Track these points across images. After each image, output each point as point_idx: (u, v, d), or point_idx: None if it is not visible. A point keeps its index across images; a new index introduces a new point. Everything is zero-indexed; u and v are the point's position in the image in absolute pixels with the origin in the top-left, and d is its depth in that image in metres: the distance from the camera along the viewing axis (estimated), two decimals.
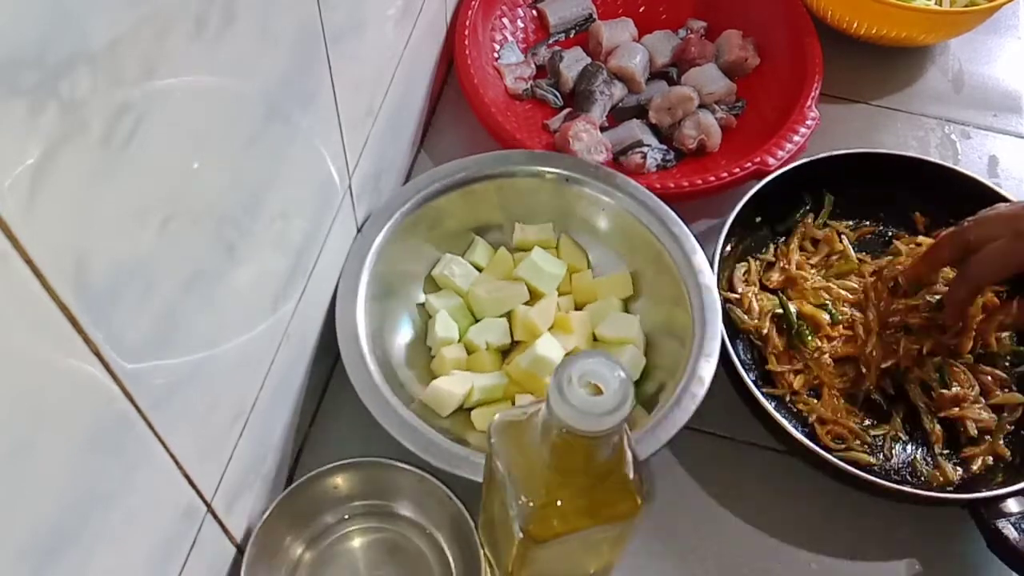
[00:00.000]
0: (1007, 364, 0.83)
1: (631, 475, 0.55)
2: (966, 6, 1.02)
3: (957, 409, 0.79)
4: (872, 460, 0.78)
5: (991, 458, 0.78)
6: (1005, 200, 0.87)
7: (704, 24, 1.06)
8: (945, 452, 0.79)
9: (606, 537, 0.59)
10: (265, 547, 0.67)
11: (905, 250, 0.87)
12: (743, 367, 0.76)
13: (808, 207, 0.91)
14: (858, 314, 0.83)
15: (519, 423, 0.56)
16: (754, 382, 0.76)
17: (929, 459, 0.79)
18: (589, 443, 0.51)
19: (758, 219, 0.89)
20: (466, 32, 0.96)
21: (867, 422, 0.80)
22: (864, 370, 0.80)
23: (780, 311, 0.83)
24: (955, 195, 0.89)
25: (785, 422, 0.74)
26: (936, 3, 1.03)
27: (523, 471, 0.55)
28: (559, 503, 0.54)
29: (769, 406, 0.74)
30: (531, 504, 0.54)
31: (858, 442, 0.79)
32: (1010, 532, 0.70)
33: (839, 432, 0.79)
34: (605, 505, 0.55)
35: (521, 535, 0.54)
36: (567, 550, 0.58)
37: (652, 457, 0.71)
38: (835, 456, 0.74)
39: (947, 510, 0.77)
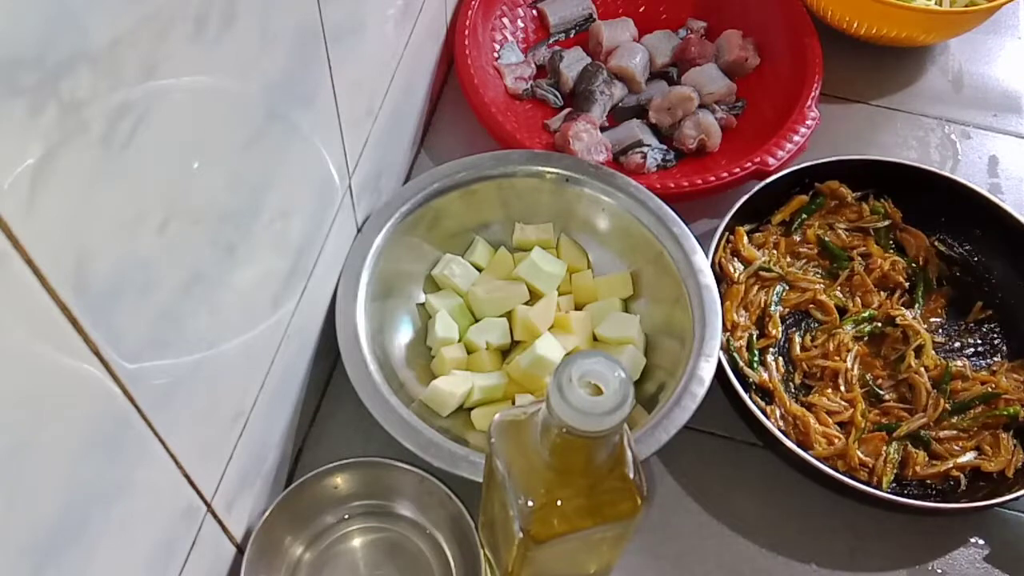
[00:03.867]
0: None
1: (631, 475, 0.55)
2: (966, 6, 1.02)
3: (951, 464, 0.78)
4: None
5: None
6: (992, 203, 0.87)
7: (704, 24, 1.06)
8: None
9: (606, 537, 0.59)
10: (265, 547, 0.67)
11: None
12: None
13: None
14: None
15: (519, 423, 0.56)
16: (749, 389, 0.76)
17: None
18: (589, 443, 0.51)
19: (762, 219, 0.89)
20: (466, 32, 0.96)
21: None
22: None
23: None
24: (946, 198, 0.90)
25: (774, 427, 0.74)
26: (936, 3, 1.03)
27: (523, 471, 0.55)
28: (559, 503, 0.54)
29: (768, 423, 0.75)
30: (531, 504, 0.54)
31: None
32: None
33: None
34: (605, 505, 0.55)
35: (521, 535, 0.54)
36: (567, 550, 0.58)
37: (652, 457, 0.71)
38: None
39: (948, 516, 0.78)
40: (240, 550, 0.67)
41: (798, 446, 0.74)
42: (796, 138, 0.91)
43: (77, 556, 0.44)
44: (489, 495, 0.63)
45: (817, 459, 0.74)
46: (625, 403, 0.49)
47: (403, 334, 0.80)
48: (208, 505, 0.60)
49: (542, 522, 0.54)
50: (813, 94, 0.95)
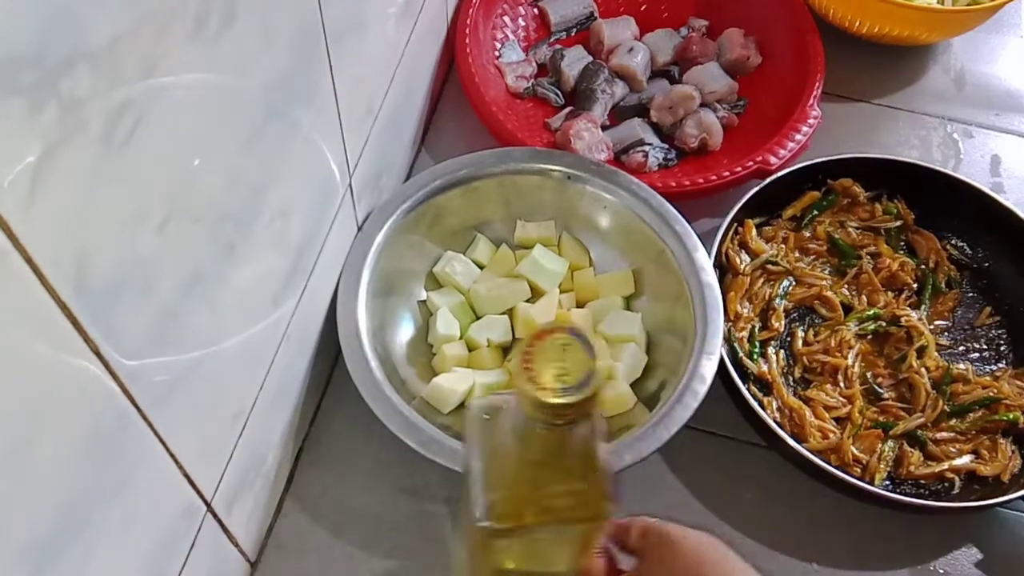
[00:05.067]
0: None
1: (601, 477, 0.54)
2: (968, 5, 1.02)
3: (947, 466, 0.78)
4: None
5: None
6: (1003, 206, 0.87)
7: (706, 23, 1.06)
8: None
9: (572, 538, 0.59)
10: None
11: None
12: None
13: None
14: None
15: (493, 410, 0.54)
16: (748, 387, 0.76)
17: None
18: (554, 435, 0.49)
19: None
20: (467, 31, 0.96)
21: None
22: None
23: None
24: (956, 201, 0.89)
25: (773, 423, 0.74)
26: (938, 2, 1.02)
27: (492, 459, 0.54)
28: (523, 495, 0.53)
29: (763, 413, 0.74)
30: (494, 492, 0.53)
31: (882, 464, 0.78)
32: None
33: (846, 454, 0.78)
34: (571, 505, 0.54)
35: (481, 523, 0.53)
36: (531, 546, 0.57)
37: (654, 455, 0.70)
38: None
39: (947, 517, 0.78)
40: (240, 550, 0.67)
41: (793, 439, 0.74)
42: (798, 137, 0.91)
43: (76, 556, 0.44)
44: (465, 487, 0.63)
45: (811, 452, 0.74)
46: (585, 388, 0.47)
47: (404, 331, 0.80)
48: (208, 505, 0.59)
49: (504, 514, 0.53)
50: (815, 93, 0.94)
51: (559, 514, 0.54)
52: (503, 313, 0.81)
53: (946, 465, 0.77)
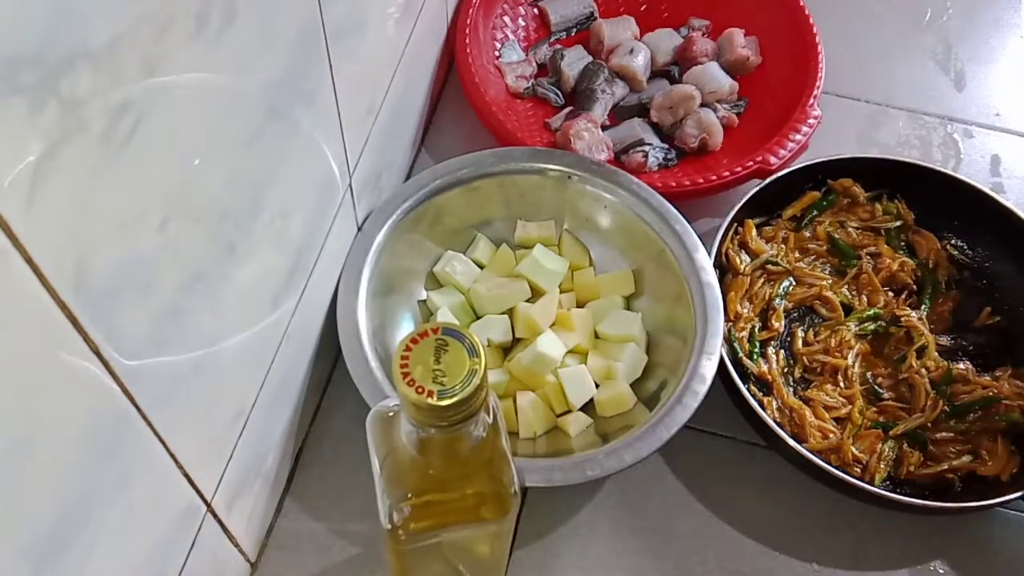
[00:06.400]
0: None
1: (501, 475, 0.53)
2: None
3: (947, 466, 0.78)
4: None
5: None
6: (1003, 207, 0.87)
7: (706, 23, 1.05)
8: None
9: (482, 535, 0.58)
10: None
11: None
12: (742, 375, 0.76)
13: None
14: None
15: (392, 415, 0.53)
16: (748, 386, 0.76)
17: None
18: (443, 437, 0.49)
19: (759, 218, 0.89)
20: (467, 31, 0.96)
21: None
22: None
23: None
24: (956, 201, 0.89)
25: (771, 421, 0.74)
26: None
27: (393, 465, 0.53)
28: (425, 499, 0.52)
29: (763, 413, 0.74)
30: (397, 499, 0.52)
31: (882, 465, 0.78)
32: None
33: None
34: (475, 503, 0.53)
35: (389, 527, 0.53)
36: (442, 546, 0.57)
37: (654, 455, 0.71)
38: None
39: (947, 517, 0.78)
40: (240, 550, 0.67)
41: (793, 439, 0.74)
42: (798, 137, 0.91)
43: (76, 556, 0.44)
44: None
45: (811, 452, 0.74)
46: (466, 389, 0.46)
47: (404, 331, 0.80)
48: (208, 505, 0.59)
49: (408, 518, 0.52)
50: (815, 93, 0.94)
51: (461, 516, 0.54)
52: (503, 313, 0.81)
53: (946, 465, 0.77)
